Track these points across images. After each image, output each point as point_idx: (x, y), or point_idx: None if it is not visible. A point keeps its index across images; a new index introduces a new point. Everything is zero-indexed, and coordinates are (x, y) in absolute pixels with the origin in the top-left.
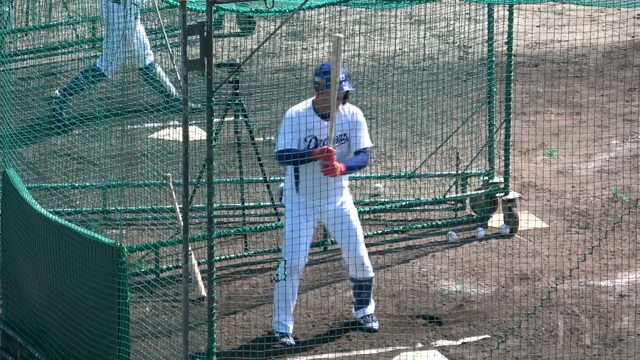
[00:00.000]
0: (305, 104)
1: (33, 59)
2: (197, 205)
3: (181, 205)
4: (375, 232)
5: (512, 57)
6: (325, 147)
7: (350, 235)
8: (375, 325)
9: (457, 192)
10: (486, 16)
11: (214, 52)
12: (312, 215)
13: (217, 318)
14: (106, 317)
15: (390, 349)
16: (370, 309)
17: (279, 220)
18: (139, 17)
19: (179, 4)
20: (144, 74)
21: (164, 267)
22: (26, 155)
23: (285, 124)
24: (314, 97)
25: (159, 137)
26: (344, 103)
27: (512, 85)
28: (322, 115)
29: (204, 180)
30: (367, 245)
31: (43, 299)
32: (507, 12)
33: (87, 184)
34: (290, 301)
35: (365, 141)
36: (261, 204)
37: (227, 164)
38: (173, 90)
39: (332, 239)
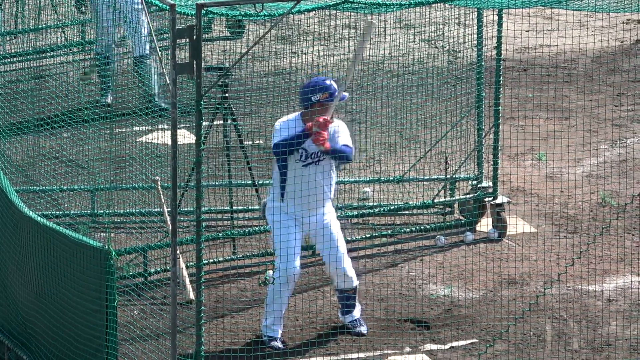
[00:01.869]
0: (294, 117)
1: (22, 61)
2: (186, 209)
3: (169, 209)
4: (363, 236)
5: (501, 61)
6: (323, 118)
7: (332, 247)
8: (364, 329)
9: (445, 197)
10: (475, 21)
11: (203, 55)
12: (299, 225)
13: (205, 321)
14: (94, 320)
15: (378, 352)
16: (357, 312)
17: (267, 224)
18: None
19: (168, 7)
20: (137, 62)
21: (152, 270)
22: (14, 158)
23: (276, 130)
24: (302, 111)
25: (148, 141)
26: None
27: (501, 89)
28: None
29: (192, 184)
30: (355, 249)
31: (31, 301)
32: (496, 17)
33: (76, 186)
34: (283, 307)
35: (349, 141)
36: (250, 207)
37: (216, 168)
38: (156, 92)
39: (315, 251)
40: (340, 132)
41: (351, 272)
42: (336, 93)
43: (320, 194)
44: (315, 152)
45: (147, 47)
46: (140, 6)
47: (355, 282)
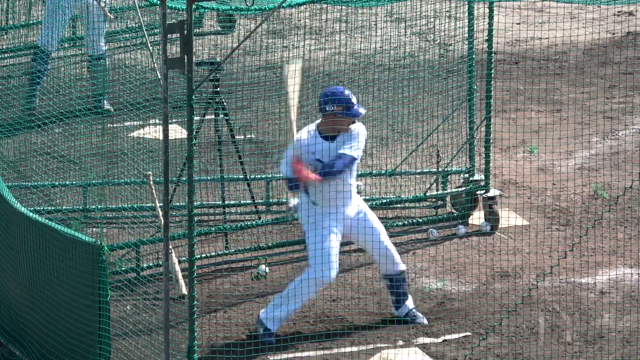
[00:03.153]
0: (307, 131)
1: (13, 57)
2: (178, 204)
3: (162, 204)
4: None
5: (493, 54)
6: (299, 171)
7: (374, 235)
8: (425, 320)
9: (437, 190)
10: (466, 14)
11: (194, 50)
12: (335, 224)
13: (198, 316)
14: (87, 316)
15: (371, 346)
16: (410, 302)
17: (259, 218)
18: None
19: (159, 2)
20: (92, 63)
21: (145, 265)
22: (6, 154)
23: (289, 151)
24: (319, 121)
25: (140, 136)
26: (353, 122)
27: (492, 82)
28: (325, 137)
29: (184, 179)
30: (348, 243)
31: (23, 297)
32: (487, 10)
33: (68, 182)
34: (295, 308)
35: (347, 149)
36: (242, 202)
37: (208, 162)
38: (104, 99)
39: (358, 245)
40: (350, 137)
41: (397, 256)
42: (353, 108)
43: (341, 192)
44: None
45: (104, 46)
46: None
47: (403, 267)
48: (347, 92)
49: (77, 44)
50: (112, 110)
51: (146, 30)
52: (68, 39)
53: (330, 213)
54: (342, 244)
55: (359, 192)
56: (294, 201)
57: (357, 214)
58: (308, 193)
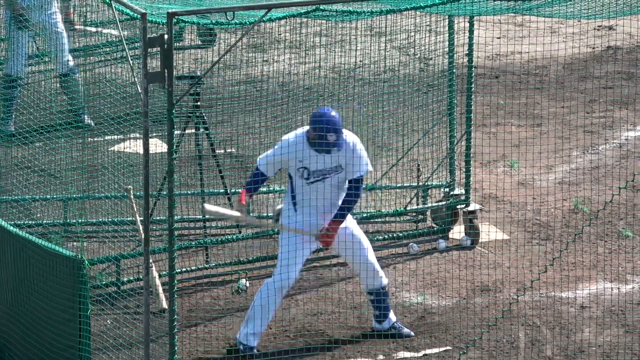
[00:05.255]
0: (296, 135)
1: None
2: (158, 218)
3: (142, 218)
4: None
5: (473, 68)
6: (332, 236)
7: (355, 248)
8: (411, 332)
9: (418, 204)
10: (447, 28)
11: (174, 64)
12: (309, 237)
13: (178, 330)
14: (67, 330)
15: None
16: (393, 316)
17: (239, 232)
18: (56, 11)
19: (139, 16)
20: (63, 81)
21: (125, 279)
22: None
23: (275, 152)
24: (309, 130)
25: (120, 150)
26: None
27: (472, 96)
28: (314, 144)
29: (164, 193)
30: (328, 257)
31: (4, 311)
32: (467, 24)
33: (48, 196)
34: (269, 317)
35: (361, 169)
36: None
37: (188, 177)
38: (84, 111)
39: (340, 257)
40: (353, 154)
41: (380, 269)
42: (342, 144)
43: (328, 207)
44: (320, 169)
45: (71, 62)
46: (58, 19)
47: (386, 280)
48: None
49: (42, 60)
50: (93, 124)
51: (126, 43)
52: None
53: (311, 222)
54: (323, 258)
55: None
56: (279, 206)
57: (344, 229)
58: (294, 199)
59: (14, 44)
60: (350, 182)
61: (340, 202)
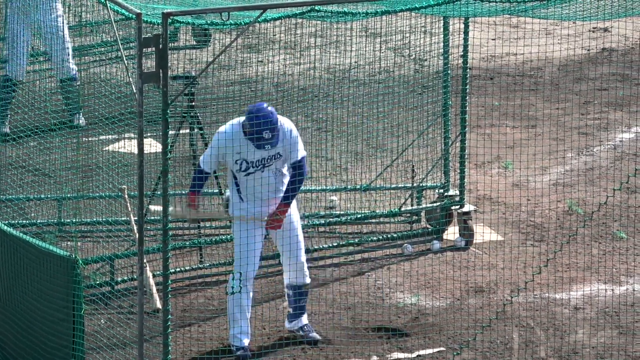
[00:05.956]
0: (232, 126)
1: None
2: (152, 218)
3: (136, 218)
4: (330, 245)
5: (468, 70)
6: (281, 216)
7: (292, 240)
8: (317, 335)
9: (412, 205)
10: (442, 29)
11: (169, 64)
12: (260, 223)
13: (172, 330)
14: (61, 329)
15: None
16: (305, 318)
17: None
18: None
19: (134, 16)
20: (65, 86)
21: (119, 279)
22: None
23: (212, 145)
24: (244, 120)
25: (115, 150)
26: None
27: (467, 98)
28: (250, 139)
29: (159, 193)
30: (322, 258)
31: None
32: (462, 25)
33: (42, 196)
34: (246, 313)
35: (300, 153)
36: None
37: (183, 177)
38: (79, 115)
39: (275, 245)
40: (291, 141)
41: (306, 268)
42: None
43: (272, 192)
44: (259, 159)
45: (73, 67)
46: (60, 24)
47: (308, 280)
48: (279, 122)
49: (37, 60)
50: (83, 124)
51: (121, 44)
52: (43, 52)
53: (255, 209)
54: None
55: (333, 207)
56: (227, 193)
57: (288, 216)
58: (238, 189)
59: (15, 45)
60: (293, 165)
61: (284, 187)
